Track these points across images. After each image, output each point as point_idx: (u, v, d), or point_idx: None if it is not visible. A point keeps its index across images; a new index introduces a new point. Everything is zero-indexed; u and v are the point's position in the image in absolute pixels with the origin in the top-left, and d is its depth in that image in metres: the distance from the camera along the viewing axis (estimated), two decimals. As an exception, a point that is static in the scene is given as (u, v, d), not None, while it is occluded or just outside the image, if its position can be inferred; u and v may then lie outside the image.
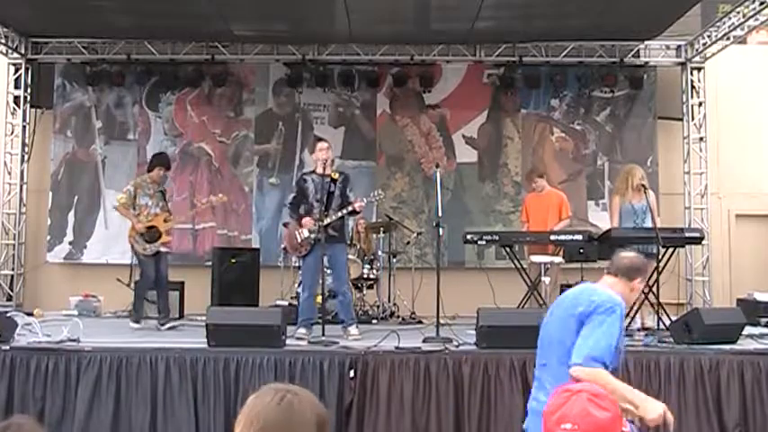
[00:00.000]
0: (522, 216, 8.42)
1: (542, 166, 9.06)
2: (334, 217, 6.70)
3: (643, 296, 6.99)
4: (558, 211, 8.01)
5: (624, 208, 7.40)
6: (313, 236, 6.65)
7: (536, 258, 7.59)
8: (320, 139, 7.26)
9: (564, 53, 9.69)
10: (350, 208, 6.79)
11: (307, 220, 6.71)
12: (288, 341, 6.14)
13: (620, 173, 8.08)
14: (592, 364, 3.14)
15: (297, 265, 8.08)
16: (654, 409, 3.11)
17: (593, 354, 3.16)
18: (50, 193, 9.95)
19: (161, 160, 7.83)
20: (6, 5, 8.52)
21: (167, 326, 7.37)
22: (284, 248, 7.98)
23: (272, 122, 10.09)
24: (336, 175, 6.86)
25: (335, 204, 6.77)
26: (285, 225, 7.68)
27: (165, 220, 7.53)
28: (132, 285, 8.33)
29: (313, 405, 1.84)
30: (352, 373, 5.67)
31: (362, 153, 10.02)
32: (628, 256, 3.60)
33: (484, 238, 7.68)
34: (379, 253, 8.75)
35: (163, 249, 7.50)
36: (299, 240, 6.78)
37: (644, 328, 7.01)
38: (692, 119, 9.89)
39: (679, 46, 9.87)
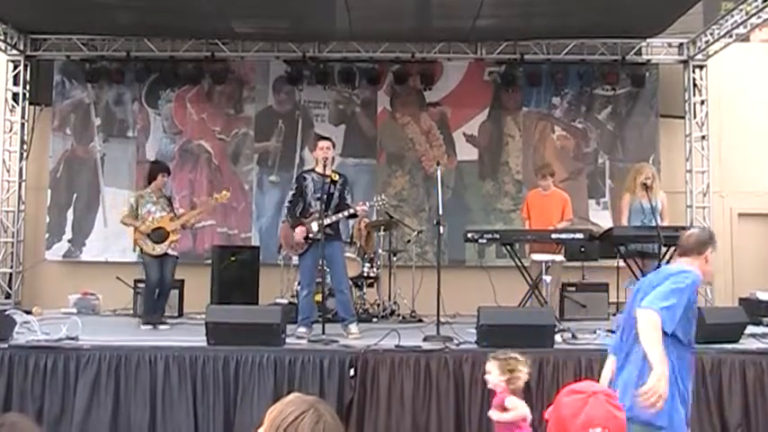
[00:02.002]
0: (522, 212, 8.38)
1: (551, 166, 8.98)
2: (334, 218, 6.67)
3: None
4: (562, 211, 7.97)
5: (634, 206, 7.37)
6: (311, 235, 6.62)
7: (537, 257, 7.56)
8: (323, 138, 7.20)
9: (565, 51, 9.66)
10: (351, 211, 6.76)
11: (299, 231, 6.64)
12: (288, 340, 6.11)
13: (630, 171, 7.99)
14: (651, 307, 3.32)
15: (296, 263, 8.03)
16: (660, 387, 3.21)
17: (656, 301, 3.33)
18: (49, 191, 9.92)
19: (161, 167, 7.76)
20: (5, 2, 8.48)
21: (163, 327, 7.30)
22: (279, 246, 7.92)
23: (272, 120, 10.06)
24: (336, 177, 6.83)
25: (333, 205, 6.75)
26: (284, 222, 7.65)
27: (171, 219, 7.42)
28: (134, 284, 8.30)
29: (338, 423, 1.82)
30: (352, 372, 5.64)
31: (363, 151, 9.98)
32: (693, 233, 3.77)
33: (485, 236, 7.63)
34: (380, 251, 8.72)
35: (171, 252, 7.41)
36: (296, 240, 6.73)
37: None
38: (695, 117, 9.86)
39: (681, 44, 9.84)
